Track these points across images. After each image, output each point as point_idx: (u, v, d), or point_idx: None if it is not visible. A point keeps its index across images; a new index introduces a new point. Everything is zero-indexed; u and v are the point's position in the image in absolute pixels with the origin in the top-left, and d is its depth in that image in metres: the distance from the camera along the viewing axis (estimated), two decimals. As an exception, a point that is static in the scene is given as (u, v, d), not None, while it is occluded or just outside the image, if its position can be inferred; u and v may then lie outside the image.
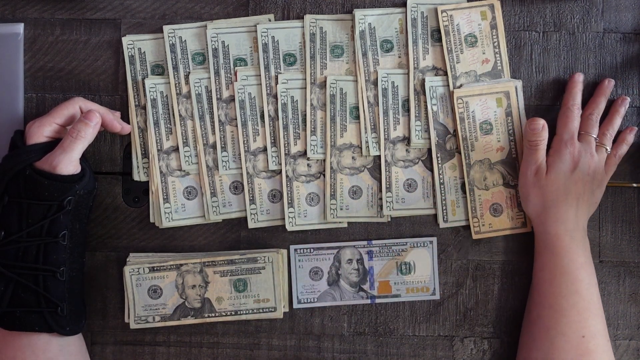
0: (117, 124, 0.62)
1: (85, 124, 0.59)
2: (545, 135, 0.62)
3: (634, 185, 0.66)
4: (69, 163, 0.58)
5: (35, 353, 0.58)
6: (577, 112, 0.63)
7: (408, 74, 0.65)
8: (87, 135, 0.58)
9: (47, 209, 0.58)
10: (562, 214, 0.61)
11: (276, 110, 0.65)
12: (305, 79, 0.65)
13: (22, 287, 0.58)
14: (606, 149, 0.63)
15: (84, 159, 0.61)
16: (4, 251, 0.58)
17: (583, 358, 0.58)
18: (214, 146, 0.66)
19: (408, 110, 0.65)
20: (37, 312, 0.58)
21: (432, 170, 0.65)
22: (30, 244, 0.58)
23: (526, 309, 0.64)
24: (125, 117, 0.66)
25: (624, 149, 0.65)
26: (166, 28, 0.66)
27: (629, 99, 0.65)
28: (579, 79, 0.65)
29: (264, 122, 0.65)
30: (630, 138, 0.65)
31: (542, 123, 0.61)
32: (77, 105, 0.61)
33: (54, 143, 0.59)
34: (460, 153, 0.65)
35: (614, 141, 0.65)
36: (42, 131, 0.59)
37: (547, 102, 0.66)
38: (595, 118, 0.64)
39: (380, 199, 0.66)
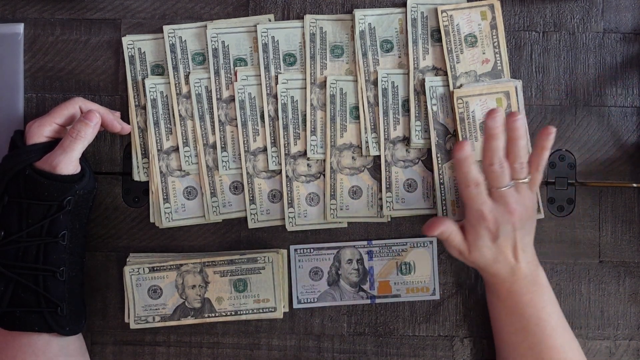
0: (117, 124, 0.62)
1: (85, 124, 0.59)
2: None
3: (634, 185, 0.66)
4: (68, 163, 0.58)
5: (35, 353, 0.58)
6: (476, 189, 0.57)
7: (408, 74, 0.65)
8: (87, 135, 0.59)
9: (47, 209, 0.58)
10: (497, 270, 0.59)
11: (276, 110, 0.65)
12: (305, 79, 0.65)
13: (22, 287, 0.58)
14: (524, 181, 0.58)
15: (83, 159, 0.61)
16: (4, 251, 0.58)
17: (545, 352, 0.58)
18: (214, 146, 0.66)
19: (408, 110, 0.65)
20: (37, 312, 0.58)
21: (432, 170, 0.65)
22: (30, 244, 0.58)
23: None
24: (125, 117, 0.66)
25: (544, 157, 0.58)
26: (166, 28, 0.66)
27: (554, 130, 0.57)
28: (467, 152, 0.56)
29: (264, 122, 0.65)
30: (549, 143, 0.57)
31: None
32: (77, 105, 0.61)
33: (53, 143, 0.59)
34: (460, 153, 0.65)
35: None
36: (42, 131, 0.59)
37: (547, 102, 0.66)
38: (497, 168, 0.56)
39: (380, 199, 0.66)
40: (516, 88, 0.65)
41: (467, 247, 0.59)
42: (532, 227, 0.60)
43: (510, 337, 0.60)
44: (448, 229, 0.59)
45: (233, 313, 0.64)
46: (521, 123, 0.57)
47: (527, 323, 0.59)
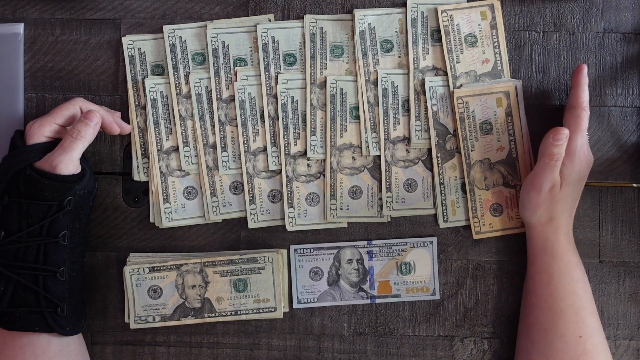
0: (115, 126, 0.62)
1: (85, 124, 0.59)
2: (565, 147, 0.59)
3: (634, 185, 0.66)
4: (69, 163, 0.58)
5: (35, 353, 0.58)
6: (586, 112, 0.60)
7: (408, 74, 0.65)
8: (87, 135, 0.58)
9: (47, 209, 0.58)
10: (564, 220, 0.61)
11: (276, 110, 0.65)
12: (305, 79, 0.65)
13: (22, 287, 0.58)
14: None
15: (84, 159, 0.61)
16: (4, 251, 0.58)
17: (581, 358, 0.58)
18: (214, 146, 0.66)
19: (408, 110, 0.65)
20: (37, 312, 0.58)
21: (432, 170, 0.65)
22: (30, 244, 0.58)
23: (521, 312, 0.64)
24: (125, 117, 0.66)
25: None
26: (166, 28, 0.66)
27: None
28: (585, 72, 0.61)
29: (264, 122, 0.65)
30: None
31: (566, 133, 0.58)
32: (77, 105, 0.61)
33: (54, 143, 0.59)
34: (460, 153, 0.65)
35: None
36: (42, 131, 0.59)
37: (547, 102, 0.66)
38: (586, 115, 0.61)
39: (380, 199, 0.66)
40: (516, 88, 0.65)
41: (559, 181, 0.60)
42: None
43: (559, 303, 0.60)
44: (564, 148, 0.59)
45: (233, 313, 0.64)
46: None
47: (576, 287, 0.60)
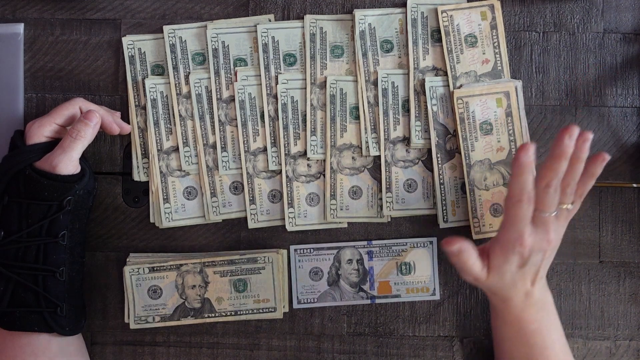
0: (115, 126, 0.62)
1: (85, 124, 0.59)
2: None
3: (634, 185, 0.66)
4: (68, 163, 0.58)
5: (35, 353, 0.58)
6: (528, 204, 0.52)
7: (408, 74, 0.65)
8: (86, 135, 0.58)
9: (46, 209, 0.58)
10: (511, 297, 0.57)
11: (276, 111, 0.65)
12: (305, 79, 0.65)
13: (22, 287, 0.58)
14: (567, 208, 0.55)
15: (83, 159, 0.61)
16: (4, 251, 0.58)
17: None
18: (214, 146, 0.66)
19: (408, 111, 0.65)
20: (37, 312, 0.58)
21: (432, 170, 0.65)
22: (30, 243, 0.58)
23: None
24: (125, 117, 0.66)
25: (589, 185, 0.55)
26: (166, 28, 0.66)
27: (608, 157, 0.54)
28: (530, 157, 0.50)
29: (264, 122, 0.65)
30: (599, 170, 0.54)
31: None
32: (77, 105, 0.61)
33: (53, 143, 0.59)
34: (460, 153, 0.65)
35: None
36: (42, 131, 0.59)
37: (547, 102, 0.66)
38: (552, 192, 0.52)
39: (380, 199, 0.66)
40: (516, 88, 0.65)
41: (485, 271, 0.56)
42: (550, 261, 0.58)
43: None
44: (466, 247, 0.55)
45: (233, 313, 0.64)
46: (588, 147, 0.52)
47: (532, 350, 0.57)
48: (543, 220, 0.53)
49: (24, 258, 0.58)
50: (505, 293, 0.57)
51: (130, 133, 0.66)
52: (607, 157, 0.54)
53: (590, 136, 0.52)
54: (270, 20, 0.66)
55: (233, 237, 0.66)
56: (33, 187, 0.57)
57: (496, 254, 0.55)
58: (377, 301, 0.66)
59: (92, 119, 0.59)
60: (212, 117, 0.65)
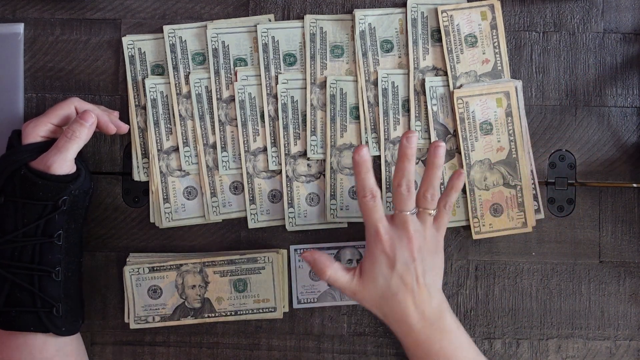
0: (112, 126, 0.62)
1: (80, 124, 0.58)
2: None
3: (634, 185, 0.66)
4: (63, 163, 0.58)
5: (31, 353, 0.58)
6: (373, 201, 0.55)
7: (408, 74, 0.65)
8: (82, 136, 0.58)
9: (42, 209, 0.58)
10: (399, 315, 0.56)
11: (276, 110, 0.65)
12: (305, 79, 0.65)
13: (17, 287, 0.57)
14: (429, 213, 0.57)
15: (80, 158, 0.60)
16: None
17: None
18: (214, 146, 0.66)
19: (408, 111, 0.65)
20: (33, 312, 0.58)
21: (432, 170, 0.65)
22: (26, 243, 0.57)
23: None
24: (125, 117, 0.66)
25: (453, 196, 0.58)
26: (166, 28, 0.66)
27: (464, 173, 0.59)
28: (364, 157, 0.55)
29: (264, 122, 0.65)
30: (460, 184, 0.58)
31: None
32: (72, 105, 0.60)
33: (49, 143, 0.59)
34: (460, 153, 0.65)
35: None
36: (37, 131, 0.59)
37: (547, 102, 0.66)
38: (404, 191, 0.55)
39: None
40: (516, 88, 0.65)
41: (357, 280, 0.56)
42: (436, 265, 0.58)
43: None
44: (319, 255, 0.57)
45: (233, 313, 0.64)
46: (443, 152, 0.56)
47: None
48: (401, 218, 0.56)
49: (19, 258, 0.57)
50: (392, 312, 0.56)
51: (130, 133, 0.66)
52: (463, 172, 0.59)
53: (442, 143, 0.56)
54: (270, 20, 0.66)
55: (233, 237, 0.66)
56: (28, 187, 0.57)
57: (364, 260, 0.57)
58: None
59: (88, 120, 0.59)
60: (212, 117, 0.65)
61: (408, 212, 0.56)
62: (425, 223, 0.57)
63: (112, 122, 0.62)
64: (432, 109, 0.65)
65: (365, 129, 0.65)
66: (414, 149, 0.56)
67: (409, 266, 0.55)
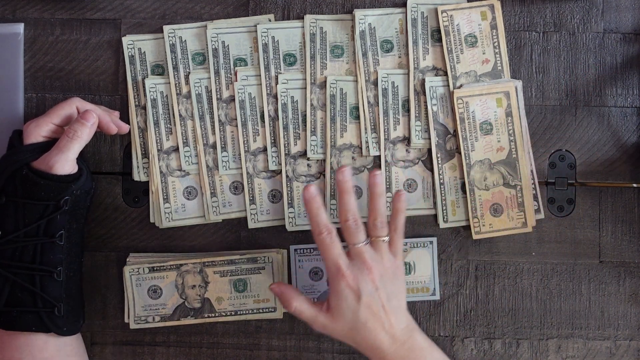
0: (113, 126, 0.62)
1: (81, 124, 0.58)
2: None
3: (634, 185, 0.66)
4: (65, 163, 0.58)
5: (32, 353, 0.58)
6: (329, 237, 0.56)
7: (408, 74, 0.65)
8: (83, 135, 0.58)
9: (43, 209, 0.58)
10: (371, 342, 0.56)
11: (276, 110, 0.65)
12: (305, 79, 0.65)
13: (19, 286, 0.58)
14: (382, 239, 0.58)
15: (81, 158, 0.60)
16: (0, 251, 0.58)
17: None
18: (214, 146, 0.66)
19: (408, 111, 0.65)
20: (34, 312, 0.58)
21: (432, 170, 0.65)
22: (27, 243, 0.57)
23: None
24: (125, 117, 0.66)
25: (400, 219, 0.59)
26: (166, 28, 0.66)
27: (404, 193, 0.60)
28: (312, 194, 0.57)
29: (264, 122, 0.65)
30: (403, 205, 0.59)
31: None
32: (74, 105, 0.60)
33: (51, 143, 0.59)
34: (460, 153, 0.65)
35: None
36: (39, 131, 0.59)
37: (547, 102, 0.66)
38: (352, 224, 0.57)
39: (380, 199, 0.66)
40: (516, 88, 0.65)
41: (327, 316, 0.57)
42: (399, 290, 0.58)
43: None
44: (286, 288, 0.58)
45: (233, 313, 0.64)
46: (380, 180, 0.58)
47: None
48: (356, 250, 0.57)
49: (21, 258, 0.58)
50: (364, 340, 0.56)
51: (130, 133, 0.66)
52: (403, 193, 0.60)
53: (378, 172, 0.58)
54: (270, 20, 0.66)
55: (233, 237, 0.66)
56: (30, 186, 0.57)
57: (330, 296, 0.57)
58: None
59: (89, 119, 0.59)
60: (212, 117, 0.65)
61: (361, 244, 0.57)
62: (380, 250, 0.58)
63: (113, 122, 0.62)
64: (432, 109, 0.65)
65: (365, 129, 0.65)
66: (350, 181, 0.58)
67: (374, 295, 0.56)
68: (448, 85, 0.65)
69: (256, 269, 0.64)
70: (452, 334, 0.66)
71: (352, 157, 0.65)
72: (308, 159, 0.65)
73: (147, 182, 0.66)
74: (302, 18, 0.66)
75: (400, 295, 0.58)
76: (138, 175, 0.66)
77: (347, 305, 0.56)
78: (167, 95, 0.66)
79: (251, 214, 0.65)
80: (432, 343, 0.58)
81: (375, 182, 0.58)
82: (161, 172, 0.66)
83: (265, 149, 0.65)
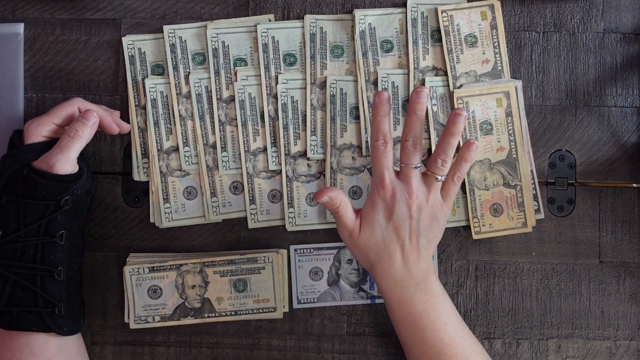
0: (114, 126, 0.62)
1: (82, 123, 0.58)
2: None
3: (634, 185, 0.66)
4: (66, 162, 0.58)
5: (33, 353, 0.58)
6: (384, 147, 0.56)
7: (408, 74, 0.65)
8: (84, 135, 0.58)
9: (44, 209, 0.58)
10: (386, 268, 0.56)
11: (276, 110, 0.65)
12: (305, 79, 0.65)
13: (19, 286, 0.58)
14: (437, 177, 0.57)
15: (82, 158, 0.61)
16: (1, 250, 0.58)
17: None
18: (214, 146, 0.66)
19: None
20: (35, 312, 0.58)
21: (432, 170, 0.65)
22: (28, 243, 0.57)
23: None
24: (125, 117, 0.66)
25: (463, 168, 0.58)
26: (166, 28, 0.66)
27: (476, 144, 0.58)
28: (384, 99, 0.56)
29: (264, 122, 0.65)
30: (470, 155, 0.58)
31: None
32: (75, 105, 0.60)
33: (51, 142, 0.59)
34: (460, 153, 0.65)
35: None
36: (40, 131, 0.59)
37: (547, 102, 0.66)
38: (410, 146, 0.56)
39: (380, 199, 0.66)
40: (516, 88, 0.65)
41: (358, 223, 0.57)
42: (433, 232, 0.57)
43: (412, 350, 0.57)
44: (339, 197, 0.56)
45: (233, 313, 0.64)
46: (462, 120, 0.56)
47: (424, 335, 0.56)
48: (406, 172, 0.56)
49: (21, 258, 0.58)
50: (380, 261, 0.56)
51: (130, 133, 0.66)
52: (475, 144, 0.57)
53: (464, 112, 0.56)
54: (270, 20, 0.66)
55: (233, 237, 0.66)
56: (30, 186, 0.57)
57: (366, 205, 0.57)
58: (377, 301, 0.66)
59: (90, 119, 0.59)
60: (212, 117, 0.65)
61: (413, 166, 0.56)
62: (431, 187, 0.57)
63: (114, 121, 0.62)
64: (432, 109, 0.65)
65: (365, 129, 0.65)
66: (423, 104, 0.56)
67: (405, 221, 0.56)
68: (448, 85, 0.65)
69: (256, 269, 0.64)
70: (452, 334, 0.66)
71: (352, 157, 0.65)
72: (308, 159, 0.66)
73: (147, 182, 0.66)
74: (302, 18, 0.66)
75: (432, 238, 0.57)
76: (138, 175, 0.66)
77: (377, 218, 0.56)
78: (167, 95, 0.66)
79: (251, 214, 0.65)
80: (445, 292, 0.58)
81: (455, 120, 0.56)
82: (161, 172, 0.66)
83: (265, 149, 0.65)
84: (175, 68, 0.65)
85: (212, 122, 0.65)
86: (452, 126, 0.57)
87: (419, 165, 0.57)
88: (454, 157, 0.58)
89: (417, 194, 0.56)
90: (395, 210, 0.56)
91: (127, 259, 0.65)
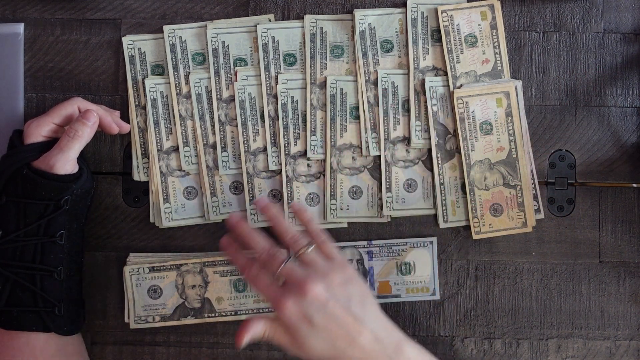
0: (114, 126, 0.62)
1: (82, 123, 0.58)
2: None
3: (634, 185, 0.66)
4: (65, 162, 0.58)
5: (33, 353, 0.58)
6: (256, 271, 0.53)
7: (408, 74, 0.65)
8: (84, 135, 0.58)
9: (44, 209, 0.58)
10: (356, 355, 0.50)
11: (276, 110, 0.65)
12: (305, 79, 0.65)
13: (19, 286, 0.58)
14: (308, 250, 0.53)
15: (81, 158, 0.61)
16: (1, 250, 0.58)
17: None
18: (214, 146, 0.66)
19: (408, 111, 0.65)
20: (34, 312, 0.58)
21: (432, 170, 0.65)
22: (28, 243, 0.57)
23: None
24: (125, 117, 0.66)
25: (313, 226, 0.56)
26: (166, 28, 0.66)
27: (297, 205, 0.58)
28: (225, 244, 0.56)
29: (264, 122, 0.65)
30: (304, 214, 0.56)
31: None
32: (75, 105, 0.60)
33: (51, 142, 0.59)
34: (460, 153, 0.65)
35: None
36: (39, 131, 0.59)
37: (547, 102, 0.66)
38: (264, 256, 0.53)
39: (380, 199, 0.66)
40: (516, 88, 0.65)
41: (300, 352, 0.51)
42: (356, 292, 0.51)
43: None
44: (259, 328, 0.51)
45: (233, 313, 0.64)
46: (270, 207, 0.56)
47: None
48: (284, 272, 0.52)
49: (21, 257, 0.58)
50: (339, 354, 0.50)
51: (130, 133, 0.66)
52: (296, 204, 0.60)
53: (263, 205, 0.57)
54: (270, 20, 0.66)
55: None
56: (30, 186, 0.57)
57: (285, 330, 0.52)
58: (377, 301, 0.66)
59: (90, 119, 0.59)
60: (212, 117, 0.65)
61: (284, 263, 0.52)
62: (311, 263, 0.53)
63: (114, 121, 0.62)
64: (432, 109, 0.65)
65: (365, 129, 0.65)
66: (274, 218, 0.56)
67: (325, 312, 0.50)
68: (448, 85, 0.65)
69: (256, 269, 0.64)
70: (452, 334, 0.66)
71: (352, 157, 0.65)
72: (308, 159, 0.66)
73: (147, 182, 0.66)
74: (302, 18, 0.66)
75: (361, 298, 0.51)
76: (138, 175, 0.66)
77: (305, 335, 0.50)
78: (167, 95, 0.66)
79: (251, 214, 0.65)
80: (426, 354, 0.53)
81: (264, 213, 0.56)
82: (161, 172, 0.66)
83: (265, 149, 0.65)
84: (175, 68, 0.65)
85: (212, 122, 0.65)
86: (266, 213, 0.56)
87: (288, 258, 0.53)
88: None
89: (309, 280, 0.50)
90: (308, 313, 0.49)
91: (127, 259, 0.65)
